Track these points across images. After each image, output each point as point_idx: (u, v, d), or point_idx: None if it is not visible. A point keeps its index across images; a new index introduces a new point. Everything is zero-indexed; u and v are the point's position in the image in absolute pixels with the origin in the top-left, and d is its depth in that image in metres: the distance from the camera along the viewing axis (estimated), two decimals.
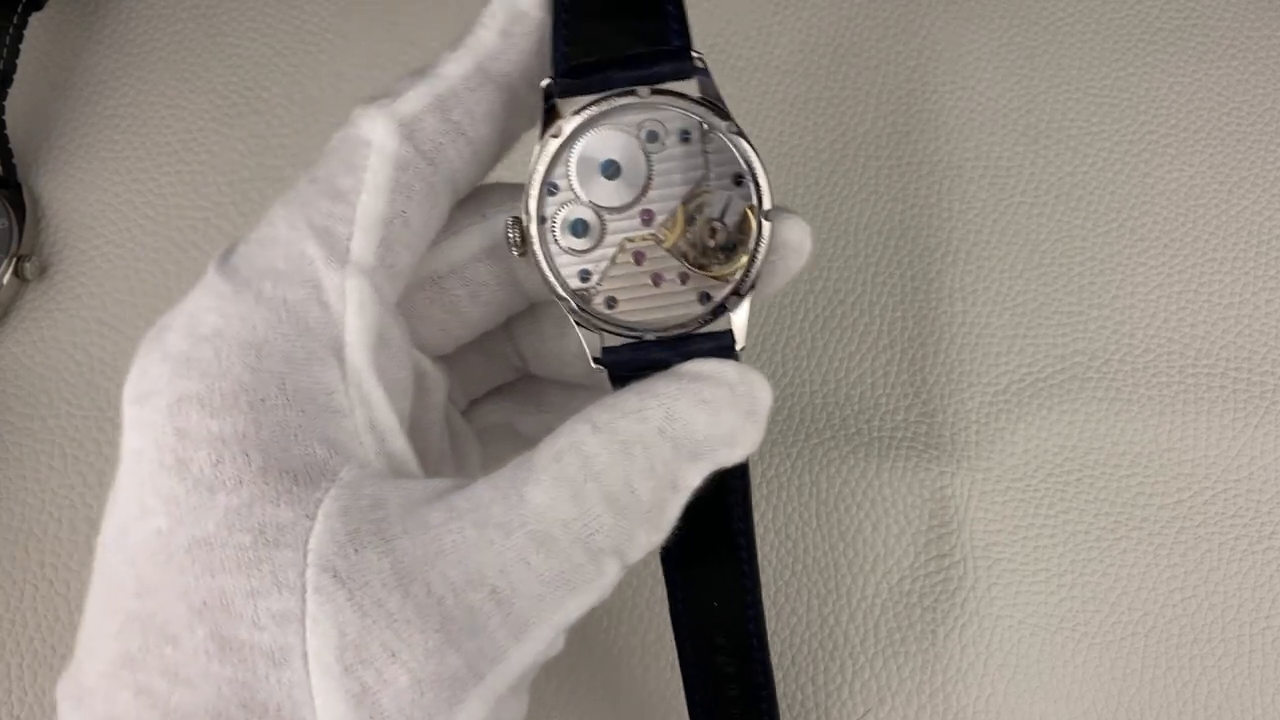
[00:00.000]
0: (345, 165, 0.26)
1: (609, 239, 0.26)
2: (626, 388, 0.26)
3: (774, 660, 0.37)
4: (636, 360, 0.27)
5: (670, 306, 0.27)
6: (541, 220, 0.26)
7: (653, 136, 0.26)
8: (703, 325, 0.27)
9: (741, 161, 0.26)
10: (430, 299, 0.29)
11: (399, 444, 0.26)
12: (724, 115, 0.26)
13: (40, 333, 0.42)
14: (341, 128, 0.27)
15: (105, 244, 0.43)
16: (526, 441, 0.31)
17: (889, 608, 0.37)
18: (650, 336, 0.27)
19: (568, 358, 0.31)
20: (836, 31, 0.46)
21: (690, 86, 0.26)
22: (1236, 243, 0.43)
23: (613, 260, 0.26)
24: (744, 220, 0.26)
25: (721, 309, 0.27)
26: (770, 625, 0.37)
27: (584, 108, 0.26)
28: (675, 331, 0.27)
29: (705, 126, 0.26)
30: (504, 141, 0.28)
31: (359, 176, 0.26)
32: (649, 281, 0.27)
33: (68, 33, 0.46)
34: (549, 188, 0.26)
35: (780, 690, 0.36)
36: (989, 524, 0.38)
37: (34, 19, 0.44)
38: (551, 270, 0.27)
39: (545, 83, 0.26)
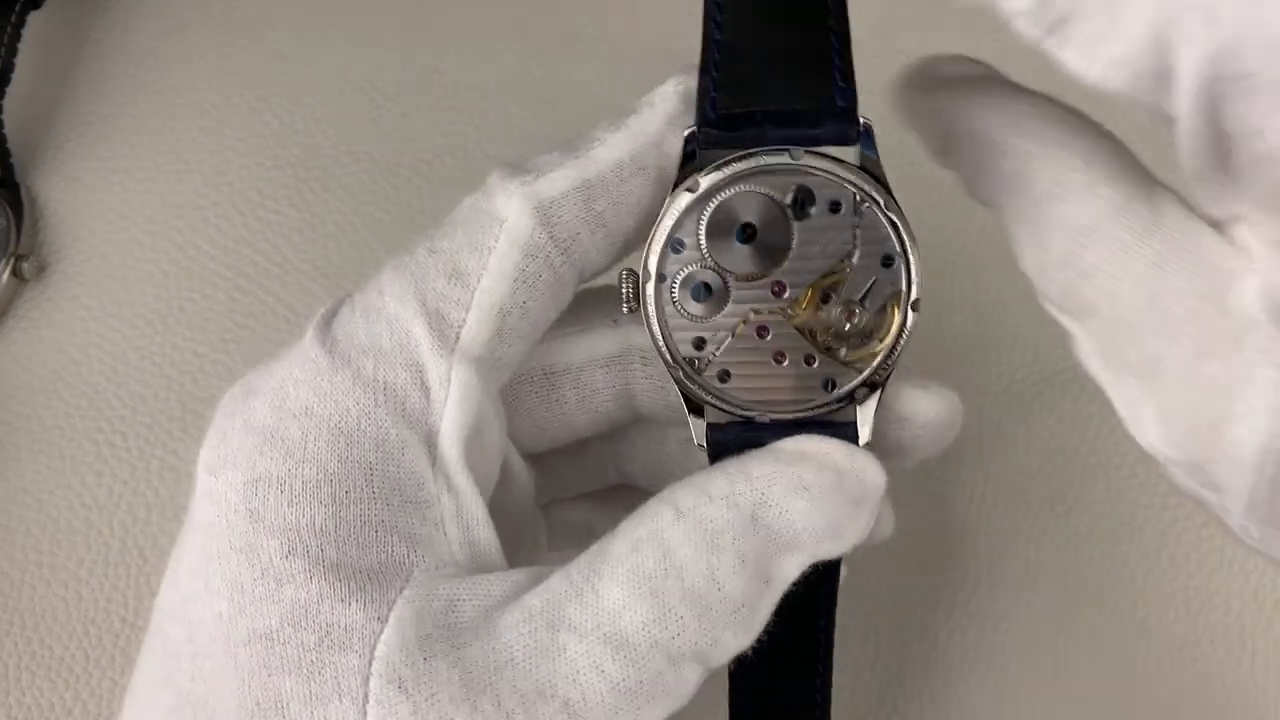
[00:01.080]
0: (471, 242, 0.24)
1: (732, 308, 0.24)
2: (716, 466, 0.24)
3: None
4: (745, 442, 0.24)
5: (791, 389, 0.24)
6: (661, 278, 0.24)
7: (799, 203, 0.24)
8: (825, 412, 0.24)
9: (895, 242, 0.24)
10: (537, 394, 0.27)
11: (484, 534, 0.24)
12: (884, 189, 0.24)
13: (38, 332, 0.41)
14: (474, 195, 0.25)
15: (103, 244, 0.43)
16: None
17: (891, 608, 0.37)
18: (764, 418, 0.24)
19: (670, 465, 0.29)
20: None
21: (850, 154, 0.24)
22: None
23: (733, 332, 0.24)
24: (887, 307, 0.24)
25: (849, 399, 0.24)
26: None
27: (727, 162, 0.24)
28: (792, 414, 0.24)
29: (859, 198, 0.24)
30: (646, 230, 0.26)
31: (484, 258, 0.24)
32: (770, 359, 0.24)
33: (66, 32, 0.46)
34: (674, 244, 0.24)
35: None
36: (992, 524, 0.38)
37: (32, 18, 0.44)
38: (663, 333, 0.24)
39: (688, 130, 0.24)
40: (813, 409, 0.24)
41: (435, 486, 0.23)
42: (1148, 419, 0.22)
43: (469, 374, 0.24)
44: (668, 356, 0.25)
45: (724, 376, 0.24)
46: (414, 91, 0.45)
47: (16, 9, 0.43)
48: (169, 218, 0.43)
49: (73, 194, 0.43)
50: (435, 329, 0.24)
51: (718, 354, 0.24)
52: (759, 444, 0.24)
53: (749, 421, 0.24)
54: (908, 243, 0.24)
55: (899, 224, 0.24)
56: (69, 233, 0.43)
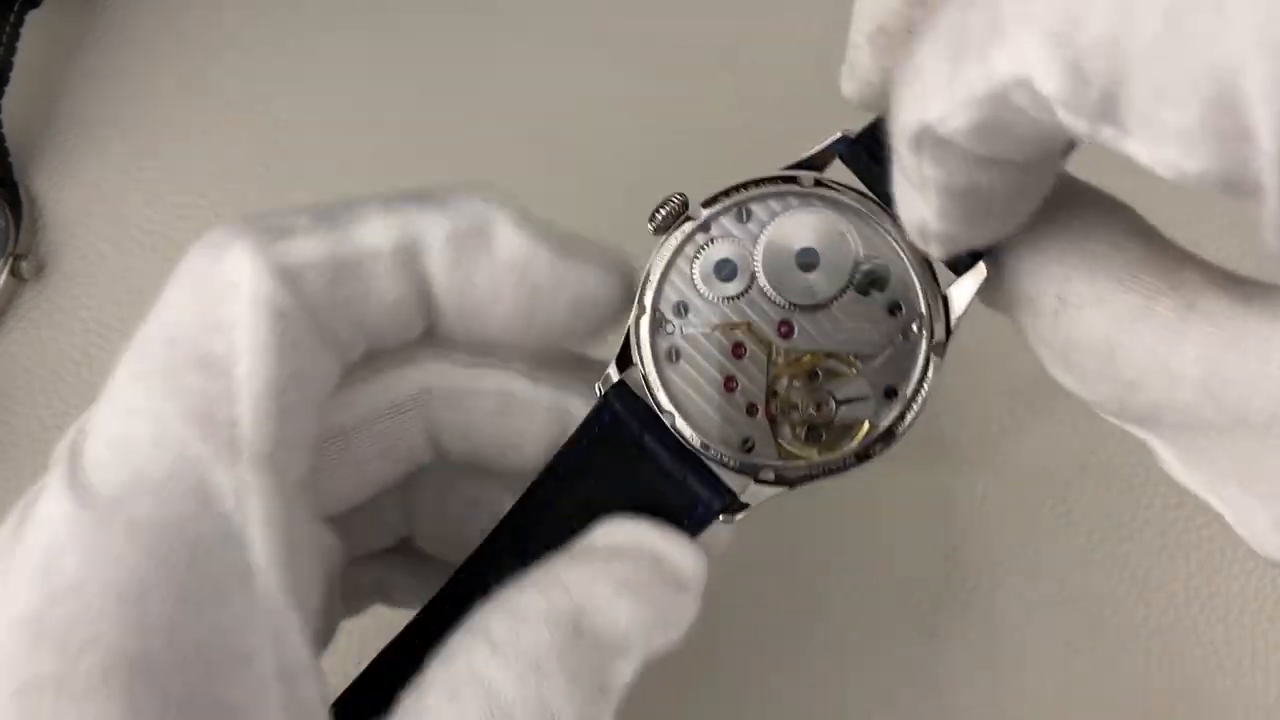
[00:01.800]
0: (206, 318, 0.21)
1: (734, 306, 0.23)
2: (526, 579, 0.21)
3: (774, 660, 0.37)
4: (626, 416, 0.23)
5: (713, 418, 0.23)
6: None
7: (869, 276, 0.22)
8: (717, 464, 0.23)
9: (913, 385, 0.23)
10: (333, 457, 0.24)
11: (310, 689, 0.20)
12: (946, 326, 0.23)
13: (37, 333, 0.41)
14: (195, 253, 0.22)
15: (103, 243, 0.42)
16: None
17: (894, 608, 0.37)
18: (670, 422, 0.23)
19: (454, 527, 0.26)
20: None
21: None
22: (1239, 244, 0.43)
23: (718, 327, 0.23)
24: (852, 428, 0.23)
25: (751, 473, 0.23)
26: (775, 627, 0.37)
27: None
28: (689, 439, 0.23)
29: (918, 326, 0.22)
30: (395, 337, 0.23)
31: (229, 336, 0.20)
32: (723, 377, 0.23)
33: (65, 31, 0.46)
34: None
35: (782, 691, 0.36)
36: (995, 525, 0.38)
37: (31, 16, 0.44)
38: (659, 276, 0.23)
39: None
40: (714, 455, 0.23)
41: (256, 633, 0.19)
42: (1263, 527, 0.19)
43: (264, 479, 0.20)
44: (647, 299, 0.23)
45: (674, 355, 0.23)
46: (417, 90, 0.45)
47: (15, 8, 0.43)
48: (168, 217, 0.43)
49: (71, 194, 0.43)
50: (206, 434, 0.20)
51: (685, 330, 0.23)
52: (634, 436, 0.23)
53: (651, 411, 0.23)
54: (922, 394, 0.23)
55: (929, 372, 0.23)
56: (68, 232, 0.43)
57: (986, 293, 0.22)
